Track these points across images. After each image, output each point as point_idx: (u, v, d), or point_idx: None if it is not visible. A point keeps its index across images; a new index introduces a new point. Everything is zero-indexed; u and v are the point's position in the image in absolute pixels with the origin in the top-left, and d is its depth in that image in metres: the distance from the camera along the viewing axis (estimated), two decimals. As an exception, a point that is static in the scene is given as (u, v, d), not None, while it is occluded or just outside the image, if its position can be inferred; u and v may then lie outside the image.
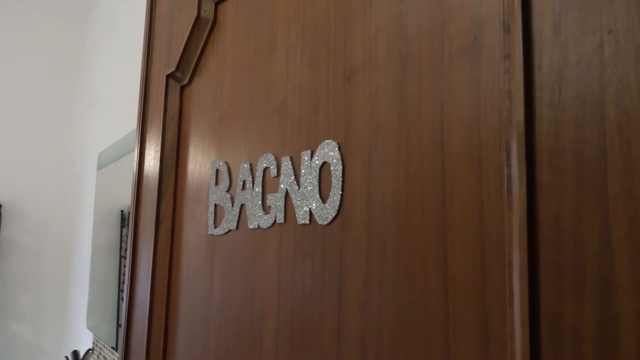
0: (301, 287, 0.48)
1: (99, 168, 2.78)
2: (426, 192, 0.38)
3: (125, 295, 0.77)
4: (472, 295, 0.34)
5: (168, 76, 0.72)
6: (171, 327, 0.69)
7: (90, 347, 2.38)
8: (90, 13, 3.53)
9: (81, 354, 2.42)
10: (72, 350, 2.44)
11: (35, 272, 3.49)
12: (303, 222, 0.48)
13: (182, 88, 0.73)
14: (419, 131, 0.39)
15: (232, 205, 0.59)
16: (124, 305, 0.77)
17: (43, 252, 3.51)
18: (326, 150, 0.46)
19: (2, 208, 3.34)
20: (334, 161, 0.45)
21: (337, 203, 0.45)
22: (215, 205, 0.62)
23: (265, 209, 0.54)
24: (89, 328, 2.66)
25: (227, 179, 0.60)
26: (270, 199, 0.53)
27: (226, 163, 0.61)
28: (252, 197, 0.56)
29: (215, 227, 0.61)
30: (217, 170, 0.62)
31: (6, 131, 3.46)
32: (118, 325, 1.92)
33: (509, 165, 0.32)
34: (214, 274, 0.61)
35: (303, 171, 0.49)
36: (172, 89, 0.73)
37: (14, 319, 3.42)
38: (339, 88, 0.46)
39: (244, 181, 0.57)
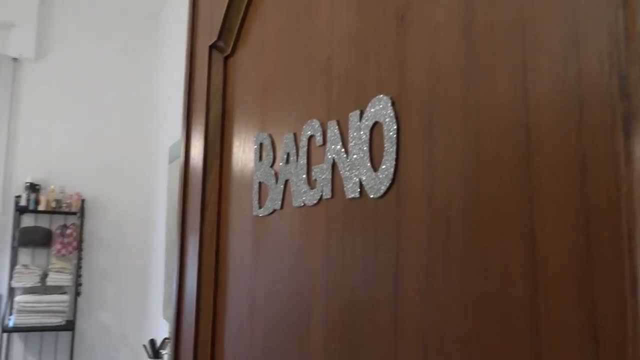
0: (351, 272, 0.40)
1: (171, 161, 2.83)
2: (504, 149, 0.29)
3: (175, 284, 0.72)
4: (571, 282, 0.25)
5: (211, 47, 0.67)
6: (219, 316, 0.64)
7: (167, 336, 2.43)
8: (162, 9, 3.60)
9: (158, 343, 2.48)
10: (149, 339, 2.51)
11: (116, 264, 3.64)
12: (352, 195, 0.40)
13: (226, 59, 0.67)
14: (492, 71, 0.30)
15: (276, 181, 0.52)
16: (174, 295, 0.72)
17: (123, 245, 3.66)
18: (377, 108, 0.38)
19: (85, 203, 3.50)
20: (387, 120, 0.37)
21: (391, 171, 0.36)
22: (260, 183, 0.55)
23: (311, 183, 0.46)
24: (166, 318, 2.73)
25: (271, 153, 0.54)
26: (316, 171, 0.45)
27: (270, 135, 0.54)
28: (296, 170, 0.48)
29: (260, 207, 0.55)
30: (261, 145, 0.56)
31: (88, 133, 3.62)
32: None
33: (626, 96, 0.23)
34: (259, 259, 0.55)
35: (351, 136, 0.41)
36: (215, 61, 0.67)
37: (99, 308, 3.58)
38: (391, 30, 0.38)
39: (288, 153, 0.50)
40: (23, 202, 3.34)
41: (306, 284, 0.46)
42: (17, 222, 3.35)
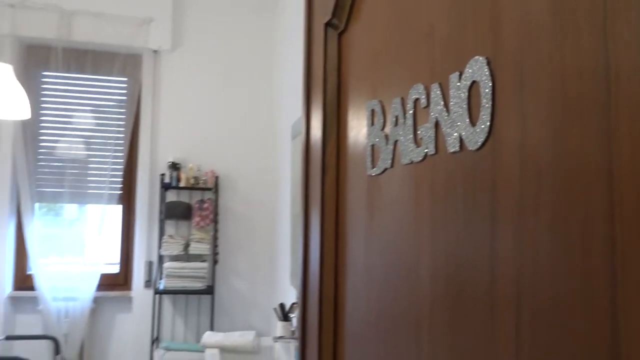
0: (453, 219, 0.45)
1: (293, 138, 2.99)
2: (586, 93, 0.32)
3: (300, 251, 0.81)
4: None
5: (326, 25, 0.73)
6: (340, 280, 0.71)
7: (294, 301, 2.61)
8: (278, -6, 3.76)
9: (287, 307, 2.67)
10: (279, 303, 2.71)
11: (247, 236, 3.93)
12: (453, 150, 0.45)
13: (339, 36, 0.73)
14: (575, 25, 0.33)
15: (387, 143, 0.57)
16: (300, 263, 0.81)
17: (253, 218, 3.94)
18: (474, 68, 0.42)
19: (219, 179, 3.80)
20: (483, 79, 0.41)
21: (487, 125, 0.40)
22: (372, 145, 0.61)
23: (417, 141, 0.51)
24: (293, 285, 2.93)
25: (382, 118, 0.59)
26: (421, 130, 0.50)
27: (380, 102, 0.60)
28: (404, 131, 0.54)
29: (373, 167, 0.61)
30: (373, 111, 0.62)
31: (220, 115, 3.93)
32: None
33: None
34: (373, 216, 0.61)
35: (452, 95, 0.45)
36: (330, 38, 0.73)
37: (234, 275, 3.91)
38: (486, -6, 0.41)
39: (397, 116, 0.55)
40: (167, 180, 3.73)
41: (413, 235, 0.51)
42: (163, 197, 3.76)
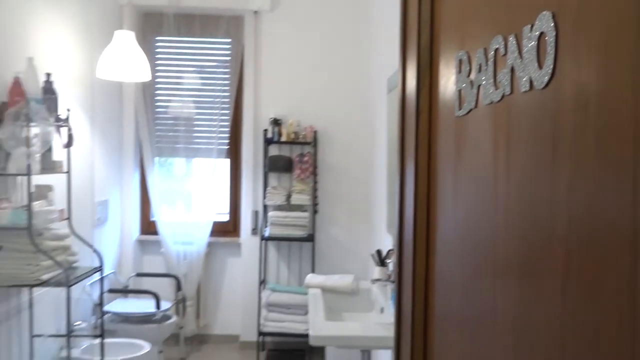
0: (524, 145, 0.55)
1: (389, 92, 3.07)
2: (624, 39, 0.41)
3: (396, 195, 0.94)
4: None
5: (420, -16, 0.83)
6: (431, 226, 0.83)
7: (391, 247, 2.76)
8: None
9: (384, 253, 2.82)
10: (376, 250, 2.87)
11: (345, 187, 4.11)
12: (524, 89, 0.54)
13: (432, -7, 0.82)
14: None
15: (472, 87, 0.68)
16: (396, 209, 0.94)
17: (350, 170, 4.11)
18: (542, 21, 0.51)
19: (317, 134, 3.98)
20: (549, 30, 0.50)
21: (551, 67, 0.50)
22: (459, 90, 0.71)
23: (496, 84, 0.61)
24: (389, 232, 3.07)
25: (468, 66, 0.69)
26: (500, 75, 0.60)
27: (466, 52, 0.70)
28: (486, 76, 0.64)
29: (460, 109, 0.71)
30: (460, 60, 0.72)
31: (318, 72, 4.07)
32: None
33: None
34: (460, 154, 0.72)
35: (524, 44, 0.55)
36: (424, -5, 0.83)
37: (332, 224, 4.13)
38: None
39: (480, 64, 0.65)
40: (269, 135, 3.98)
41: (492, 163, 0.62)
42: (266, 151, 4.02)
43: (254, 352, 3.98)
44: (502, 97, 0.59)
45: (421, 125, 0.83)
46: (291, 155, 4.05)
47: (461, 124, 0.71)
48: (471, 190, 0.68)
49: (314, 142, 3.96)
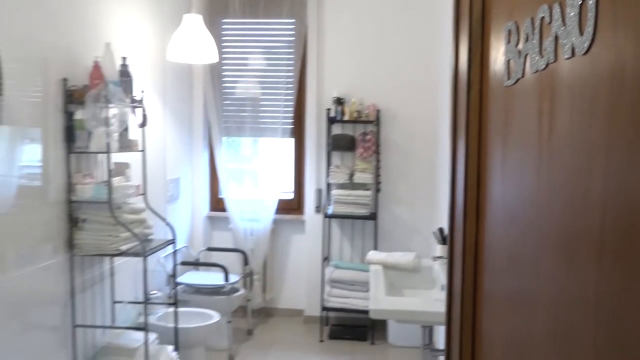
0: (564, 106, 0.56)
1: (452, 68, 3.02)
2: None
3: (448, 170, 0.95)
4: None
5: (472, -42, 0.83)
6: (481, 192, 0.84)
7: (452, 225, 2.74)
8: None
9: (446, 231, 2.81)
10: (438, 227, 2.86)
11: (408, 165, 4.10)
12: (567, 56, 0.55)
13: (484, -35, 0.83)
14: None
15: (519, 57, 0.68)
16: (448, 179, 0.96)
17: (413, 148, 4.08)
18: (585, -12, 0.52)
19: (380, 113, 3.98)
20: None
21: (591, 34, 0.50)
22: (508, 60, 0.72)
23: (542, 53, 0.62)
24: (452, 211, 3.05)
25: (516, 36, 0.70)
26: (545, 43, 0.61)
27: (515, 22, 0.70)
28: (532, 46, 0.64)
29: (508, 79, 0.72)
30: (509, 31, 0.72)
31: (381, 52, 4.05)
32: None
33: None
34: (507, 121, 0.73)
35: (567, 12, 0.55)
36: (476, -32, 0.83)
37: (395, 202, 4.14)
38: None
39: (527, 34, 0.66)
40: (332, 114, 4.02)
41: (536, 133, 0.63)
42: (329, 130, 4.07)
43: (317, 327, 4.10)
44: (547, 65, 0.60)
45: (472, 97, 0.84)
46: (354, 134, 4.08)
47: (509, 94, 0.72)
48: (518, 161, 0.70)
49: (376, 121, 3.96)
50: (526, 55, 0.66)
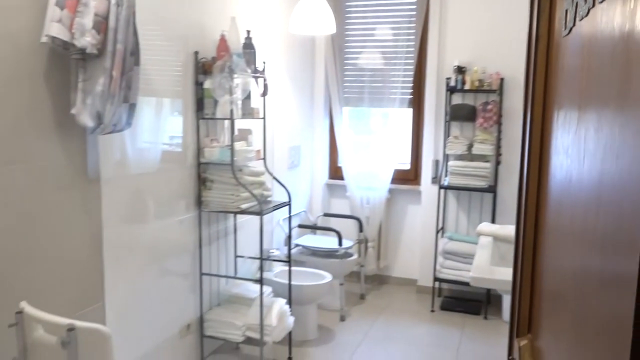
0: (599, 74, 0.55)
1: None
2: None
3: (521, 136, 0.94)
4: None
5: None
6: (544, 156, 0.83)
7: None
8: None
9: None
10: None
11: (532, 137, 3.88)
12: (599, 0, 0.54)
13: None
14: None
15: (572, 5, 0.67)
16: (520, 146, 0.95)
17: (538, 119, 3.85)
18: None
19: (504, 81, 3.80)
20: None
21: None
22: (566, 10, 0.71)
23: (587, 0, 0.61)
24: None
25: (572, -16, 0.68)
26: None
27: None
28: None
29: (565, 28, 0.71)
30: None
31: (504, 16, 3.85)
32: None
33: None
34: (564, 76, 0.72)
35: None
36: None
37: (516, 176, 3.96)
38: None
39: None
40: (452, 83, 3.93)
41: (577, 87, 0.62)
42: (448, 100, 3.99)
43: (429, 297, 4.11)
44: (588, 11, 0.59)
45: (540, 49, 0.83)
46: (474, 104, 3.95)
47: (564, 45, 0.71)
48: (566, 120, 0.69)
49: (499, 90, 3.80)
50: (576, 4, 0.65)
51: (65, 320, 1.49)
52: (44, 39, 1.82)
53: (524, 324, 0.90)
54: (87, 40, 1.84)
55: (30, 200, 1.88)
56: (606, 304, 0.50)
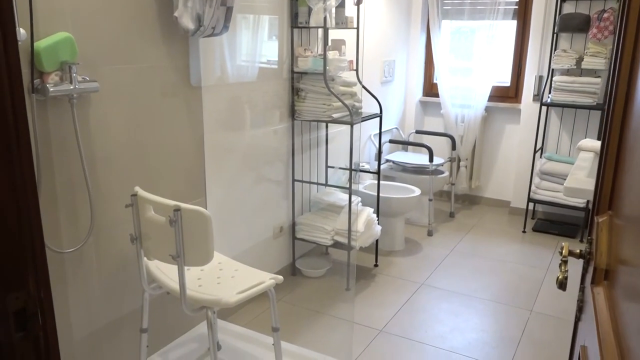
0: None
1: None
2: None
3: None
4: None
5: None
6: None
7: None
8: None
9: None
10: None
11: None
12: None
13: None
14: None
15: None
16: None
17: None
18: None
19: None
20: None
21: None
22: None
23: None
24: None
25: None
26: None
27: None
28: None
29: None
30: None
31: None
32: None
33: None
34: None
35: None
36: None
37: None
38: None
39: None
40: (564, -10, 3.59)
41: None
42: (558, 9, 3.67)
43: (521, 219, 4.02)
44: None
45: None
46: (589, 13, 3.60)
47: None
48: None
49: (619, -4, 3.42)
50: None
51: (172, 202, 1.67)
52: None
53: (604, 201, 0.87)
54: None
55: (140, 98, 2.04)
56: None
